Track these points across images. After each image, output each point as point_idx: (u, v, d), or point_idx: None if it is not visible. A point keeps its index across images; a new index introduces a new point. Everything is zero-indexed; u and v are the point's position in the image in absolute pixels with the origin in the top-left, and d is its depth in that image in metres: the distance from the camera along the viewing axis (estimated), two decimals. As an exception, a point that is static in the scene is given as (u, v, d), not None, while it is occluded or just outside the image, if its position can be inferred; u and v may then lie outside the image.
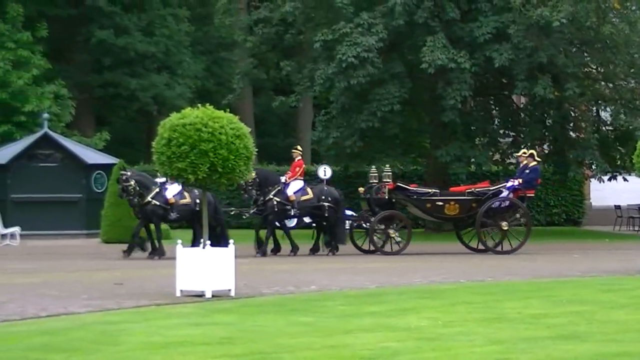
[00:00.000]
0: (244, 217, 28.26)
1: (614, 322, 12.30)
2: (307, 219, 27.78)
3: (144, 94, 45.65)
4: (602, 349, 10.22)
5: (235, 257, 15.89)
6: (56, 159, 34.66)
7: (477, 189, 27.60)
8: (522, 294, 15.59)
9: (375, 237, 26.83)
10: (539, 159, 29.02)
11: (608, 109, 36.66)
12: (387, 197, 27.11)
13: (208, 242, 15.55)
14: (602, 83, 37.24)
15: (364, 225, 27.74)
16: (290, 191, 26.57)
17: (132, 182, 25.53)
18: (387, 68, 34.19)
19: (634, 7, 35.40)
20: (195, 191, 25.20)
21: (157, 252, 25.35)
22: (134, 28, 45.71)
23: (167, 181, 25.46)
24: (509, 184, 27.16)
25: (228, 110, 16.03)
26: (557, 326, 11.92)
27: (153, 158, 16.06)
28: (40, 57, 41.11)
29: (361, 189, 27.98)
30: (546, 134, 37.16)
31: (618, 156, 37.24)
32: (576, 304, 14.18)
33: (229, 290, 15.56)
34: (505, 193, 27.04)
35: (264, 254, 26.04)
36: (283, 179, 26.75)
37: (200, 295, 15.34)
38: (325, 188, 27.25)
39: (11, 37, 40.55)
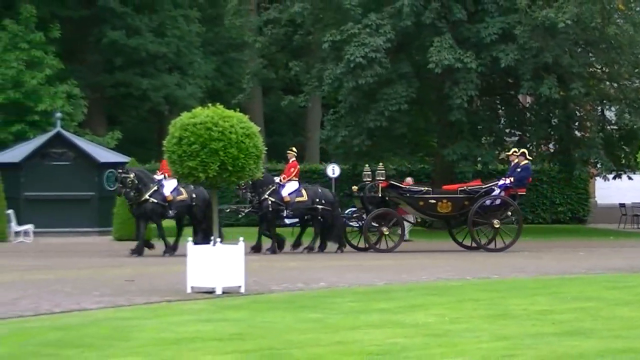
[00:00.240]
0: (240, 215, 28.28)
1: (619, 319, 12.31)
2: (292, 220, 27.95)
3: (155, 94, 45.87)
4: (607, 345, 10.22)
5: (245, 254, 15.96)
6: (69, 158, 34.82)
7: (469, 187, 27.73)
8: (527, 291, 15.58)
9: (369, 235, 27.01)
10: (530, 158, 29.14)
11: (613, 108, 36.74)
12: (380, 196, 27.30)
13: (219, 240, 15.62)
14: (607, 83, 37.32)
15: (358, 223, 27.89)
16: (285, 192, 26.57)
17: (132, 175, 25.69)
18: (395, 68, 34.36)
19: (638, 9, 35.57)
20: (191, 186, 25.41)
21: (169, 249, 25.59)
22: (145, 29, 45.91)
23: (165, 178, 25.76)
24: (501, 182, 27.26)
25: (238, 109, 16.08)
26: (562, 322, 11.93)
27: (164, 156, 16.24)
28: (53, 58, 41.43)
29: (355, 188, 28.17)
30: (552, 133, 37.31)
31: (623, 155, 37.45)
32: (581, 301, 14.17)
33: (239, 287, 15.60)
34: (496, 191, 27.14)
35: (273, 252, 26.27)
36: (277, 179, 26.75)
37: (211, 291, 15.37)
38: (320, 190, 27.29)
39: (24, 37, 40.89)
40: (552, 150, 38.63)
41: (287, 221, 27.87)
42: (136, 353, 9.92)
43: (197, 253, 15.76)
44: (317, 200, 26.78)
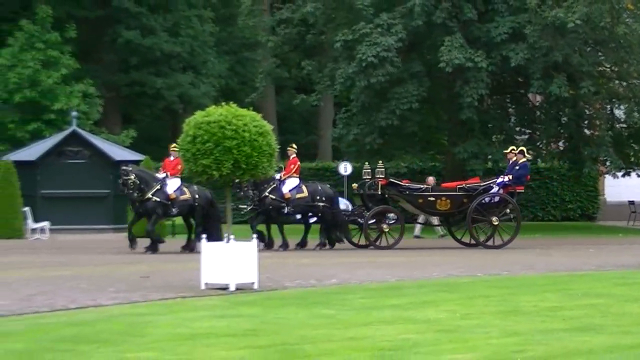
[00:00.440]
0: (242, 212, 28.39)
1: (628, 315, 12.35)
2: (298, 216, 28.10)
3: (170, 93, 46.13)
4: (617, 341, 10.27)
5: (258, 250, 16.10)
6: (84, 156, 35.11)
7: (467, 185, 27.87)
8: (538, 288, 15.60)
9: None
10: (528, 156, 29.28)
11: (622, 106, 36.79)
12: (380, 193, 27.46)
13: (232, 236, 15.67)
14: (616, 81, 37.37)
15: (359, 220, 28.00)
16: (285, 189, 26.67)
17: (132, 177, 25.76)
18: (406, 67, 34.52)
19: (647, 8, 35.68)
20: (194, 187, 25.68)
21: (152, 247, 25.73)
22: (159, 29, 46.14)
23: (167, 176, 25.97)
24: (499, 180, 27.41)
25: (251, 108, 16.17)
26: (572, 319, 11.95)
27: (179, 155, 16.40)
28: (69, 57, 41.77)
29: (355, 185, 28.30)
30: (561, 131, 37.39)
31: (632, 153, 37.54)
32: (591, 297, 14.16)
33: (253, 283, 15.69)
34: (495, 189, 27.28)
35: (286, 247, 26.47)
36: (278, 176, 26.69)
37: (225, 288, 15.45)
38: (320, 187, 27.42)
39: (41, 37, 41.22)
40: (561, 148, 38.71)
41: (297, 217, 28.03)
42: (151, 348, 9.96)
43: (211, 250, 15.86)
44: (318, 197, 26.92)
